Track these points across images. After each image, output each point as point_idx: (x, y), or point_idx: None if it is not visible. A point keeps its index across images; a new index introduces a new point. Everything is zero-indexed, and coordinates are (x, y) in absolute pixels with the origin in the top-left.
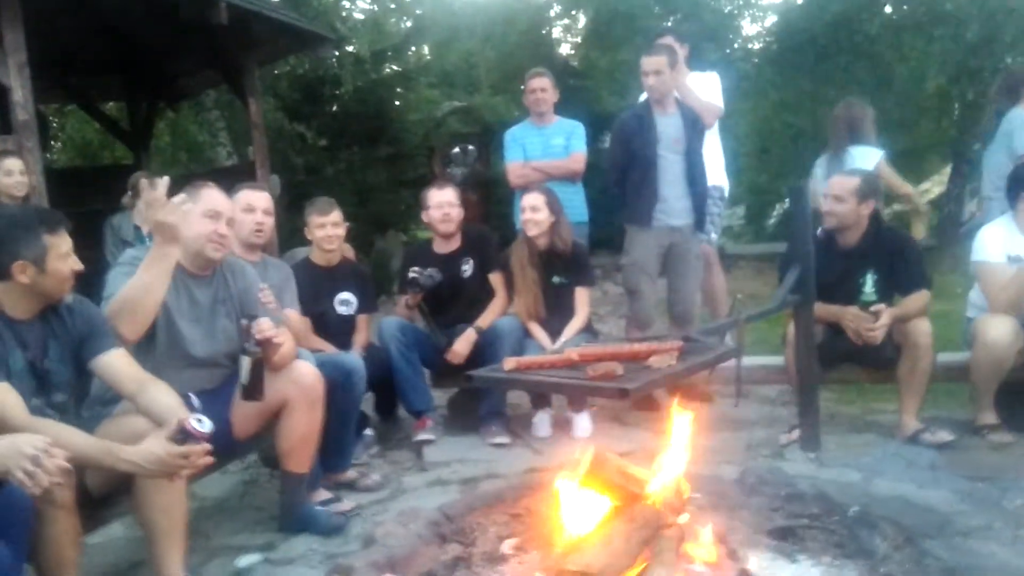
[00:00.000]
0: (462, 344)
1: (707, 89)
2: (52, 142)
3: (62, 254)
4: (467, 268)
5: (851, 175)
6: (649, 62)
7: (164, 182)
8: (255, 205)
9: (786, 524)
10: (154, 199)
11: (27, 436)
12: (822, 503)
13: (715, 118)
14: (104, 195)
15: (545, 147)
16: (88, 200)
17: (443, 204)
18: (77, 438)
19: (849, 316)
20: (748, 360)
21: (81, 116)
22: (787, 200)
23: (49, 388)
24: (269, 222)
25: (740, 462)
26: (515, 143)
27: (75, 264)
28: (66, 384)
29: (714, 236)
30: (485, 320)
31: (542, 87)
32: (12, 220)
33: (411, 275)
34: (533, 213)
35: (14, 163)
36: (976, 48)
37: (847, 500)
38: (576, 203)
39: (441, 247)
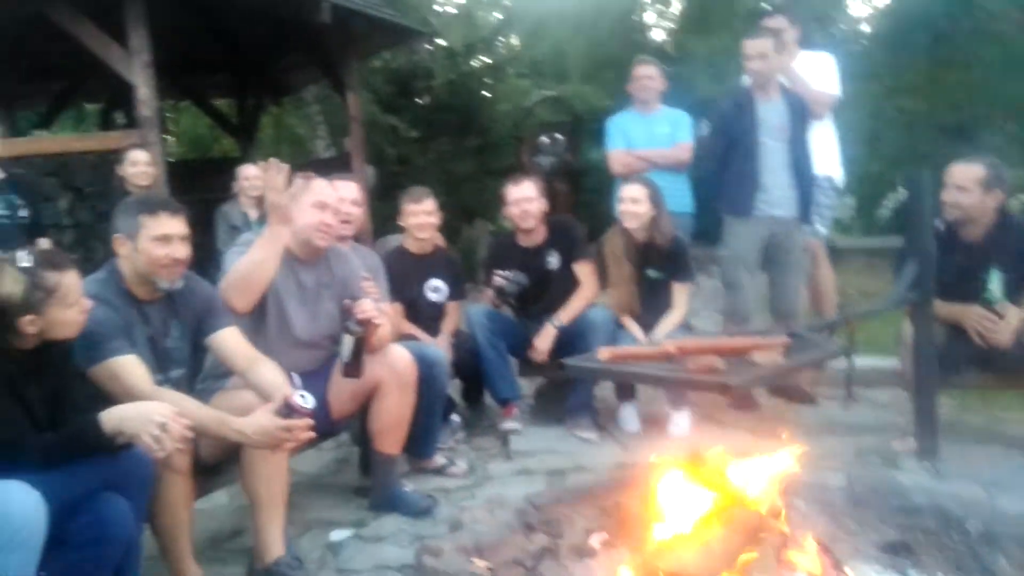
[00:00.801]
0: (542, 340)
1: (820, 72)
2: (167, 137)
3: (155, 236)
4: (552, 261)
5: (974, 162)
6: (753, 45)
7: (284, 168)
8: (344, 196)
9: (898, 538)
10: (272, 183)
11: (155, 404)
12: (939, 517)
13: (826, 108)
14: (214, 185)
15: (649, 136)
16: (199, 190)
17: (520, 200)
18: (195, 408)
19: (972, 316)
20: (858, 361)
21: (193, 112)
22: (900, 191)
23: (168, 364)
24: (357, 212)
25: (848, 469)
26: (618, 131)
27: (175, 251)
28: (184, 360)
29: (822, 229)
30: (566, 315)
31: (649, 75)
32: (128, 201)
33: (496, 282)
34: (633, 205)
35: (140, 155)
36: None
37: (967, 516)
38: (680, 193)
39: (524, 240)
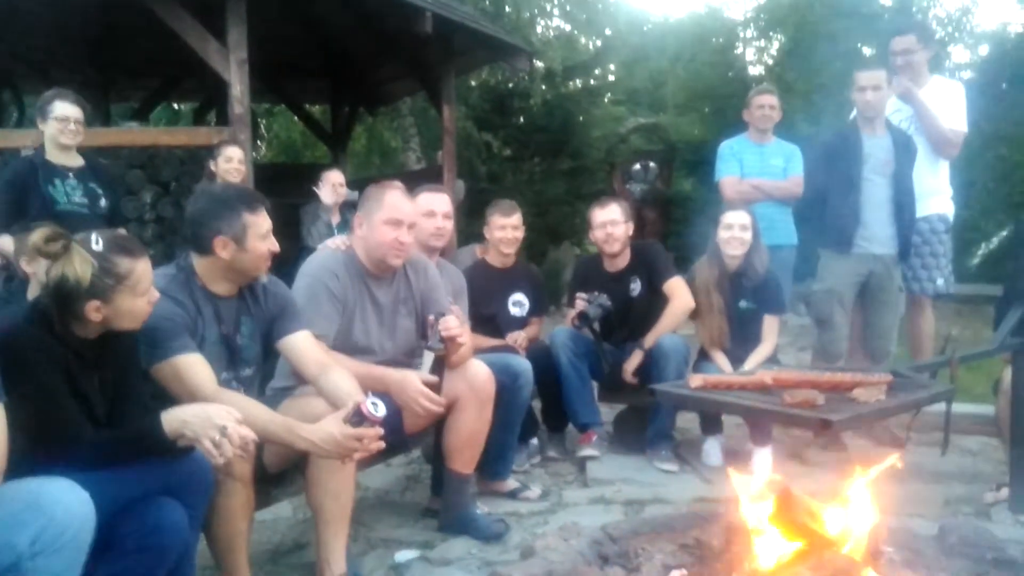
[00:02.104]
0: (631, 363)
1: (950, 103)
2: (259, 141)
3: (261, 233)
4: (635, 287)
5: None
6: (867, 77)
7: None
8: (436, 209)
9: None
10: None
11: (218, 407)
12: None
13: (956, 149)
14: (303, 190)
15: (763, 166)
16: (288, 194)
17: (605, 224)
18: (260, 412)
19: None
20: (953, 407)
21: (287, 117)
22: (993, 239)
23: (239, 362)
24: (448, 226)
25: (937, 517)
26: (732, 157)
27: (272, 245)
28: (254, 359)
29: (940, 282)
30: (650, 338)
31: (770, 104)
32: (215, 198)
33: (579, 307)
34: (743, 232)
35: (235, 151)
36: None
37: None
38: (786, 225)
39: (609, 265)
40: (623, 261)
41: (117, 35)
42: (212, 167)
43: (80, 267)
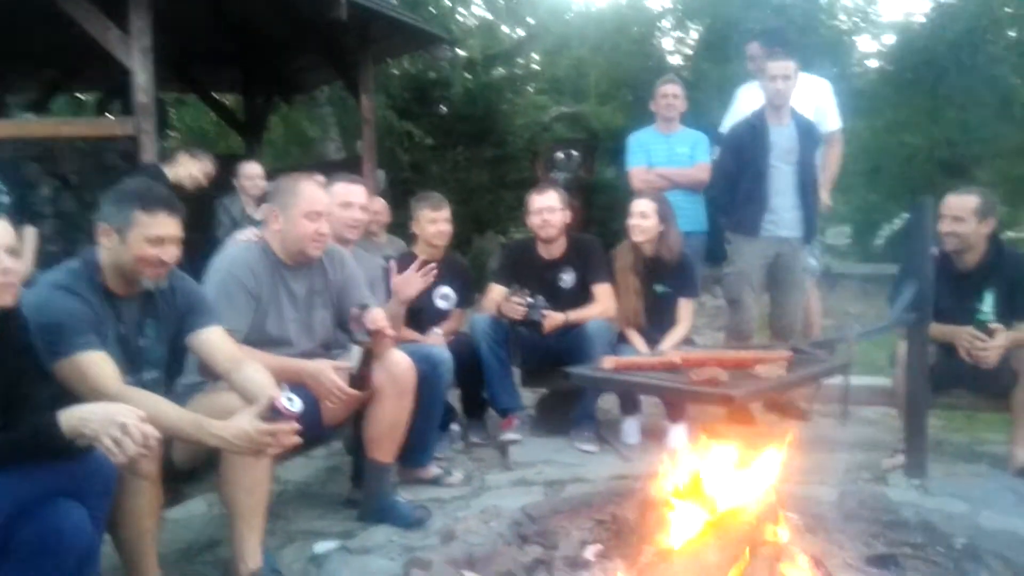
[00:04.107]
0: (551, 320)
1: (821, 102)
2: (170, 131)
3: (148, 236)
4: (567, 279)
5: (968, 193)
6: (778, 66)
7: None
8: (352, 200)
9: (887, 551)
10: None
11: (120, 405)
12: (926, 533)
13: (838, 147)
14: (217, 181)
15: (670, 155)
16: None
17: (542, 210)
18: (168, 409)
19: (964, 335)
20: (852, 380)
21: (198, 107)
22: (896, 221)
23: (140, 365)
24: (365, 218)
25: (838, 484)
26: (640, 148)
27: (166, 254)
28: (159, 362)
29: (812, 261)
30: (577, 314)
31: (674, 93)
32: (120, 187)
33: (519, 312)
34: (642, 219)
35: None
36: None
37: (953, 531)
38: (696, 213)
39: (543, 251)
40: (558, 249)
41: (13, 23)
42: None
43: None
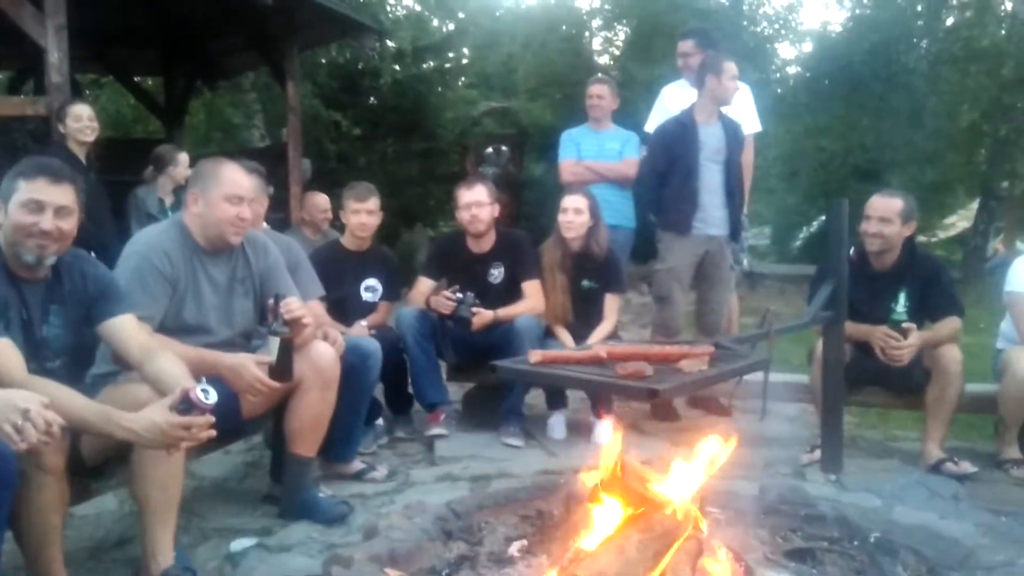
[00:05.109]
0: (480, 318)
1: (742, 106)
2: None
3: (23, 200)
4: (496, 274)
5: (893, 196)
6: (733, 66)
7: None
8: (243, 196)
9: (805, 545)
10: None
11: (22, 391)
12: (842, 527)
13: (750, 154)
14: (134, 168)
15: (600, 150)
16: (117, 171)
17: (471, 204)
18: (75, 400)
19: (878, 334)
20: (770, 377)
21: (117, 89)
22: (814, 223)
23: (44, 353)
24: (255, 211)
25: (758, 479)
26: (571, 143)
27: (44, 222)
28: (63, 351)
29: (744, 261)
30: (506, 311)
31: (599, 94)
32: (18, 163)
33: (449, 308)
34: (576, 216)
35: (83, 109)
36: (1011, 85)
37: (868, 526)
38: (625, 209)
39: (473, 245)
40: (487, 244)
41: None
42: (62, 130)
43: None
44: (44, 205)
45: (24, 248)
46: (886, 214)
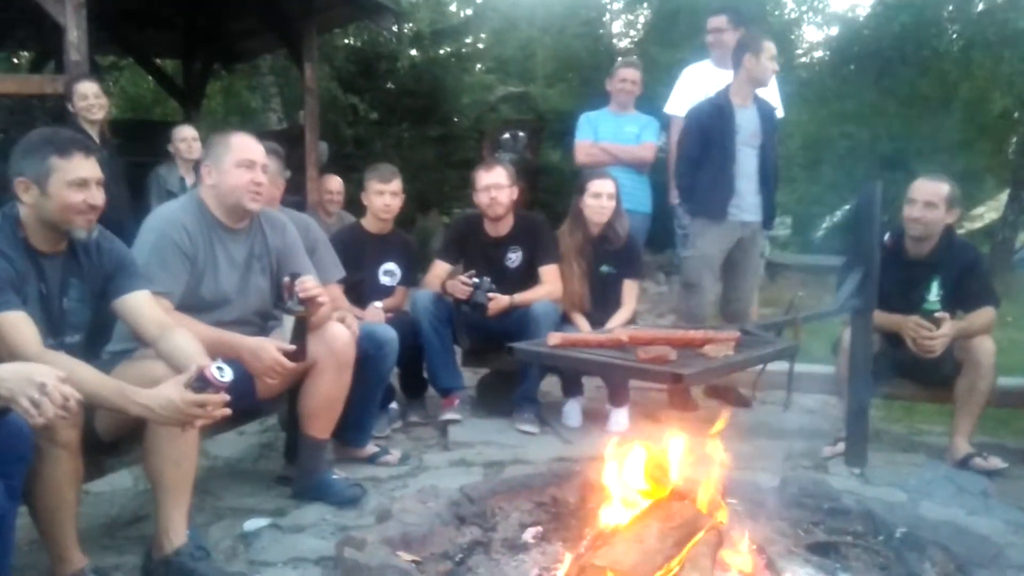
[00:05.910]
0: (496, 303)
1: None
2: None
3: (69, 180)
4: (513, 257)
5: (939, 180)
6: (772, 46)
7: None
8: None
9: (828, 539)
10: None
11: (39, 365)
12: (867, 521)
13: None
14: (152, 148)
15: (617, 133)
16: (135, 152)
17: (489, 187)
18: (90, 375)
19: (910, 324)
20: (795, 367)
21: (135, 71)
22: (837, 213)
23: (62, 327)
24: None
25: (779, 471)
26: (588, 124)
27: (92, 197)
28: (82, 325)
29: (767, 248)
30: (523, 296)
31: (632, 78)
32: (27, 138)
33: (465, 293)
34: (609, 201)
35: (89, 86)
36: None
37: (893, 520)
38: (642, 194)
39: (491, 229)
40: (505, 227)
41: None
42: (71, 108)
43: None
44: (87, 181)
45: (75, 225)
46: (932, 198)
